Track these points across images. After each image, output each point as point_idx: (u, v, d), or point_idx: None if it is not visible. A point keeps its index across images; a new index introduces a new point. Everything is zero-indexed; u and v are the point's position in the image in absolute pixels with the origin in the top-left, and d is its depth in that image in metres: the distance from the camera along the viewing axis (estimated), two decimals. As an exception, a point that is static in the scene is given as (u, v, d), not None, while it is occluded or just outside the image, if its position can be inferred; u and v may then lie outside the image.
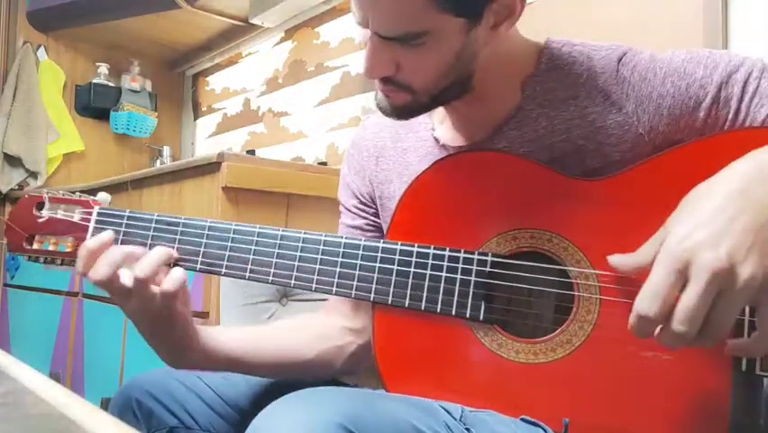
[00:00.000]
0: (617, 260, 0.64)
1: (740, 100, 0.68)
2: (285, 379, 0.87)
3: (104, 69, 2.96)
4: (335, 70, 2.36)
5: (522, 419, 0.67)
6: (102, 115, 2.97)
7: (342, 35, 2.34)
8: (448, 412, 0.66)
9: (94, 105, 2.92)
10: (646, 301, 0.56)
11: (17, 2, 2.84)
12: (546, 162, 0.73)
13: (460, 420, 0.66)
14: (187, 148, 3.23)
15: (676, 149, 0.69)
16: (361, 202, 0.92)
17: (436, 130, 0.84)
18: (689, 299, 0.54)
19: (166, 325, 0.75)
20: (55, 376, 2.25)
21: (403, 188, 0.79)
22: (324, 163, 2.25)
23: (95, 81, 2.93)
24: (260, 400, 0.85)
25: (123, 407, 0.82)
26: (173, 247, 0.78)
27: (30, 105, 2.73)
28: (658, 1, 1.44)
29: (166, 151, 3.00)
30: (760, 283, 0.53)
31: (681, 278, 0.55)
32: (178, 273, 0.74)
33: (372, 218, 0.91)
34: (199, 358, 0.79)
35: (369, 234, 0.91)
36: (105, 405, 1.80)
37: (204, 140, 3.13)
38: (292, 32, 2.58)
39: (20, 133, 2.69)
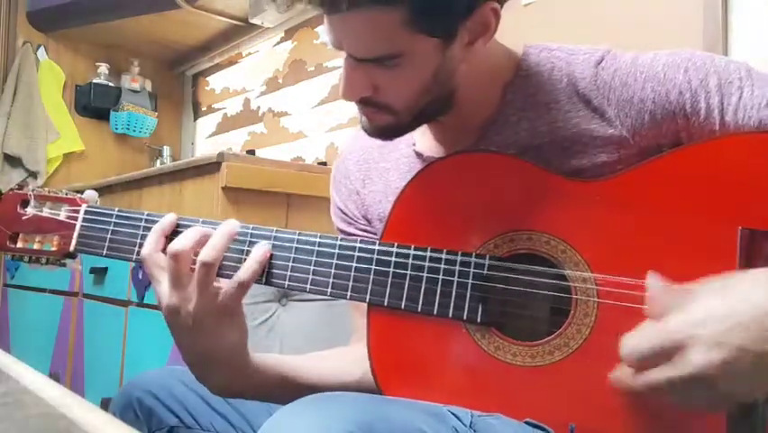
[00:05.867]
0: (654, 281, 0.62)
1: (722, 112, 0.67)
2: None
3: (104, 69, 2.96)
4: (335, 70, 2.36)
5: (527, 423, 0.67)
6: (102, 114, 2.97)
7: (342, 35, 2.34)
8: (458, 418, 0.65)
9: (94, 105, 2.92)
10: (626, 349, 0.58)
11: (17, 2, 2.84)
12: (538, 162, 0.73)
13: (470, 427, 0.65)
14: (187, 148, 3.23)
15: (675, 151, 0.69)
16: (360, 224, 0.91)
17: (417, 144, 0.83)
18: (658, 378, 0.55)
19: (232, 319, 0.71)
20: (55, 376, 2.25)
21: (389, 207, 0.77)
22: (324, 163, 2.25)
23: (95, 81, 2.93)
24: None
25: (124, 406, 0.82)
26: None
27: (30, 105, 2.73)
28: (658, 1, 1.44)
29: (166, 151, 3.00)
30: (728, 401, 0.55)
31: (666, 354, 0.55)
32: (260, 250, 0.71)
33: (374, 237, 0.89)
34: (257, 384, 0.74)
35: None
36: (105, 405, 1.80)
37: (204, 140, 3.13)
38: (292, 32, 2.58)
39: (20, 133, 2.70)
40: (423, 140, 0.83)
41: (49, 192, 0.81)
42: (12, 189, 0.82)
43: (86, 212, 0.79)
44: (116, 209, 0.79)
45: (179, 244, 0.70)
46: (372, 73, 0.69)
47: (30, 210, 0.80)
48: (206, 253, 0.69)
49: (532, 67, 0.76)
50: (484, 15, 0.68)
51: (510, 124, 0.76)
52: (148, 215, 0.78)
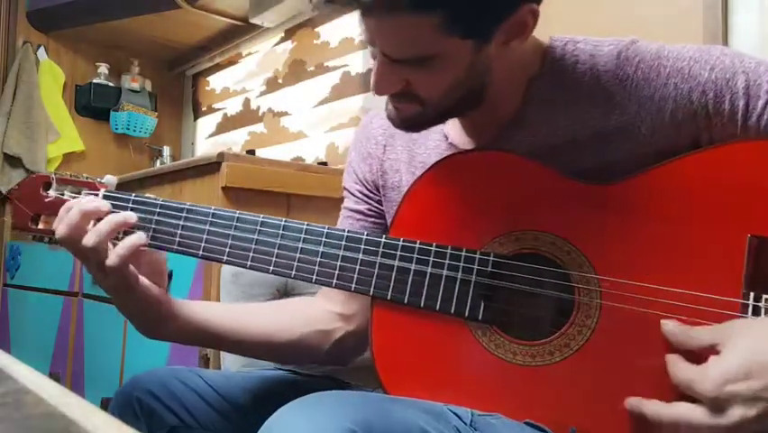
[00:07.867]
0: (671, 327, 0.63)
1: (747, 116, 0.66)
2: (269, 360, 0.88)
3: (104, 69, 2.96)
4: (335, 70, 2.36)
5: (527, 423, 0.67)
6: (102, 115, 2.97)
7: (342, 35, 2.34)
8: (458, 417, 0.65)
9: (94, 105, 2.92)
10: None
11: (17, 2, 2.83)
12: (548, 163, 0.73)
13: (470, 425, 0.65)
14: (187, 148, 3.23)
15: (686, 156, 0.67)
16: (366, 188, 0.91)
17: (447, 126, 0.83)
18: (695, 420, 0.57)
19: (128, 292, 0.75)
20: (55, 376, 2.25)
21: (409, 178, 0.79)
22: (324, 163, 2.25)
23: (95, 81, 2.93)
24: (261, 398, 0.85)
25: (124, 406, 0.82)
26: (176, 232, 0.78)
27: (30, 105, 2.73)
28: (658, 1, 1.44)
29: (166, 151, 3.00)
30: None
31: (719, 408, 0.56)
32: (130, 238, 0.75)
33: (375, 205, 0.91)
34: (175, 331, 0.80)
35: (370, 219, 0.91)
36: (105, 405, 1.79)
37: (204, 140, 3.13)
38: (292, 32, 2.58)
39: (20, 133, 2.69)
40: (452, 125, 0.83)
41: (70, 176, 0.84)
42: (12, 190, 0.84)
43: (105, 196, 0.81)
44: (133, 194, 0.81)
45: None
46: (405, 71, 0.69)
47: (52, 193, 0.83)
48: (87, 238, 0.74)
49: (556, 61, 0.75)
50: (522, 17, 0.67)
51: (531, 123, 0.75)
52: (163, 201, 0.80)
